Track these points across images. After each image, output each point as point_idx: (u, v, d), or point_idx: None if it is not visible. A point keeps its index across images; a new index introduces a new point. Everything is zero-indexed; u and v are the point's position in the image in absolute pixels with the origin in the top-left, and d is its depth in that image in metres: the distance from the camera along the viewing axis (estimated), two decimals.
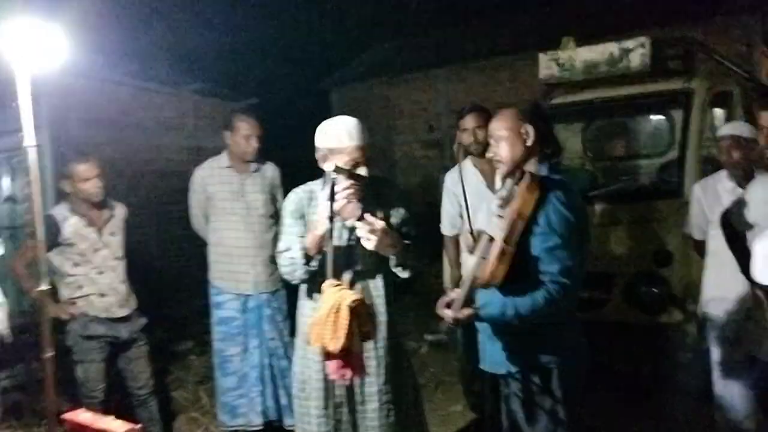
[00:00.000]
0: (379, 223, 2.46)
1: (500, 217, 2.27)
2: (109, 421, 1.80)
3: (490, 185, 3.62)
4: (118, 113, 8.33)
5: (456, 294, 2.29)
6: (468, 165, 3.73)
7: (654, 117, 5.77)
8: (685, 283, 3.87)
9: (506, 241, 2.19)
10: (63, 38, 2.10)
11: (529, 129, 2.37)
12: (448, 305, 2.27)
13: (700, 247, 3.49)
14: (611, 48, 4.49)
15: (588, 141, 5.85)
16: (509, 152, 2.39)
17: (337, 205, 2.50)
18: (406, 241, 2.67)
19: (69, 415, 1.86)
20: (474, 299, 2.29)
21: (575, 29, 5.20)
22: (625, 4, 10.26)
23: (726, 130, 3.36)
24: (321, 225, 2.51)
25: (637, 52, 4.39)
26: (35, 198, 1.90)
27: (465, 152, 3.76)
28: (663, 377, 4.01)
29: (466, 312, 2.24)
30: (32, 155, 1.91)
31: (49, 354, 1.94)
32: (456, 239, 3.78)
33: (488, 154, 2.48)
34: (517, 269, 2.24)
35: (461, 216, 3.71)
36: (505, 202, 2.29)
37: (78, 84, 7.01)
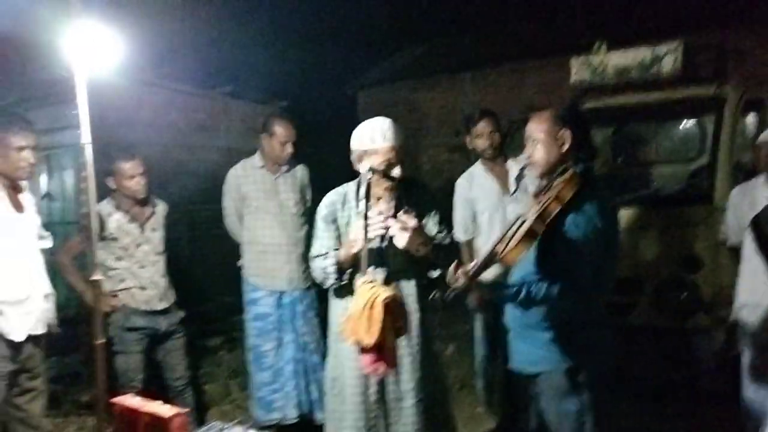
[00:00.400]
0: (412, 221, 2.53)
1: (536, 200, 2.33)
2: (157, 406, 1.90)
3: (503, 188, 3.68)
4: (152, 114, 8.51)
5: (472, 264, 2.32)
6: (479, 169, 3.79)
7: (685, 123, 5.76)
8: (715, 288, 3.87)
9: (537, 220, 2.23)
10: (114, 41, 2.20)
11: (567, 134, 2.38)
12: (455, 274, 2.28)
13: (735, 253, 3.50)
14: (643, 53, 4.51)
15: (618, 146, 5.85)
16: (544, 156, 2.41)
17: (371, 215, 2.55)
18: (436, 242, 2.73)
19: (118, 400, 1.95)
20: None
21: (607, 34, 5.21)
22: (657, 8, 10.19)
23: (765, 137, 3.38)
24: (357, 244, 2.56)
25: (669, 57, 4.40)
26: (90, 194, 2.00)
27: (476, 156, 3.82)
28: (690, 382, 4.01)
29: (477, 281, 2.27)
30: (88, 152, 2.00)
31: (100, 341, 2.03)
32: (470, 244, 3.83)
33: (522, 155, 2.52)
34: (538, 260, 2.30)
35: (474, 221, 3.77)
36: (543, 189, 2.35)
37: (114, 85, 7.19)
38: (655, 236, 4.19)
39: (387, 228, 2.58)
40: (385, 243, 2.67)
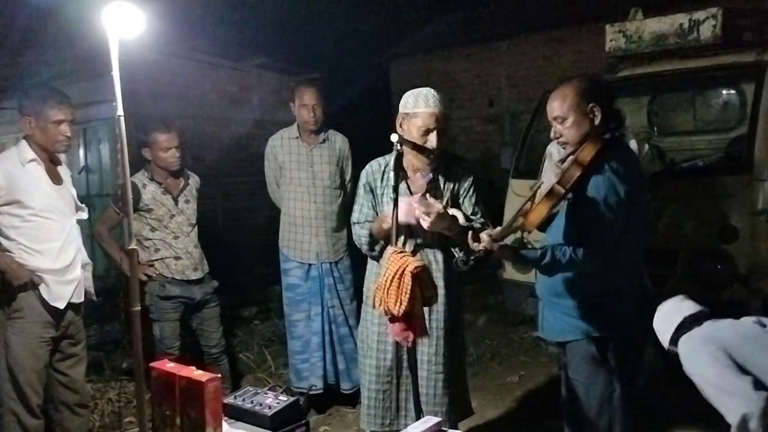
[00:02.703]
0: (436, 206, 2.50)
1: (559, 166, 2.32)
2: (193, 371, 1.95)
3: None
4: (185, 87, 8.60)
5: (497, 230, 2.31)
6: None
7: (724, 91, 5.60)
8: (751, 260, 3.79)
9: (559, 182, 2.22)
10: (146, 14, 2.21)
11: (596, 109, 2.33)
12: (477, 239, 2.27)
13: None
14: (681, 19, 4.37)
15: (655, 115, 5.73)
16: (576, 134, 2.35)
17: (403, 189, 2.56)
18: (467, 224, 2.71)
19: (155, 365, 2.02)
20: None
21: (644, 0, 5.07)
22: None
23: None
24: (386, 221, 2.60)
25: (708, 23, 4.27)
26: (124, 166, 2.04)
27: None
28: None
29: (499, 244, 2.26)
30: (122, 125, 2.03)
31: (136, 308, 2.09)
32: None
33: (552, 135, 2.46)
34: (563, 226, 2.30)
35: None
36: (568, 156, 2.34)
37: (147, 58, 7.27)
38: (690, 206, 4.11)
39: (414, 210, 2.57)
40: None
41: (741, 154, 4.02)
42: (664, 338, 2.21)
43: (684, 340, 2.13)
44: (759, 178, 3.75)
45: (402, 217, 2.58)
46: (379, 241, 2.74)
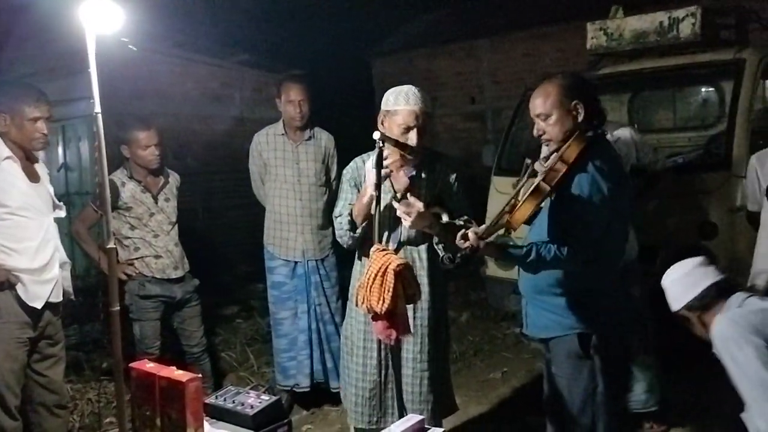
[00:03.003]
0: (417, 205, 2.51)
1: (544, 164, 2.32)
2: (173, 371, 1.93)
3: None
4: (166, 84, 8.51)
5: (482, 228, 2.31)
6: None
7: (703, 88, 5.67)
8: (730, 256, 3.84)
9: (544, 180, 2.23)
10: (126, 10, 2.18)
11: (580, 106, 2.33)
12: (464, 237, 2.26)
13: (754, 220, 3.47)
14: (661, 17, 4.41)
15: (635, 112, 5.77)
16: (560, 131, 2.35)
17: (384, 173, 2.57)
18: (448, 222, 2.70)
19: (135, 365, 1.99)
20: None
21: None
22: None
23: None
24: (366, 193, 2.61)
25: (687, 21, 4.31)
26: (102, 164, 2.01)
27: None
28: (704, 349, 4.00)
29: (485, 241, 2.25)
30: (99, 122, 2.00)
31: (115, 308, 2.06)
32: None
33: (535, 132, 2.46)
34: (549, 224, 2.31)
35: None
36: (553, 153, 2.34)
37: (128, 55, 7.18)
38: (670, 203, 4.15)
39: (393, 170, 2.60)
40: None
41: (720, 151, 4.07)
42: (680, 300, 2.16)
43: (723, 321, 2.08)
44: (737, 174, 3.80)
45: (369, 189, 2.59)
46: (361, 222, 2.72)
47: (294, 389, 3.91)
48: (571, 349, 2.45)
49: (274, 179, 3.88)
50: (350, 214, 2.75)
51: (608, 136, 2.65)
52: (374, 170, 2.54)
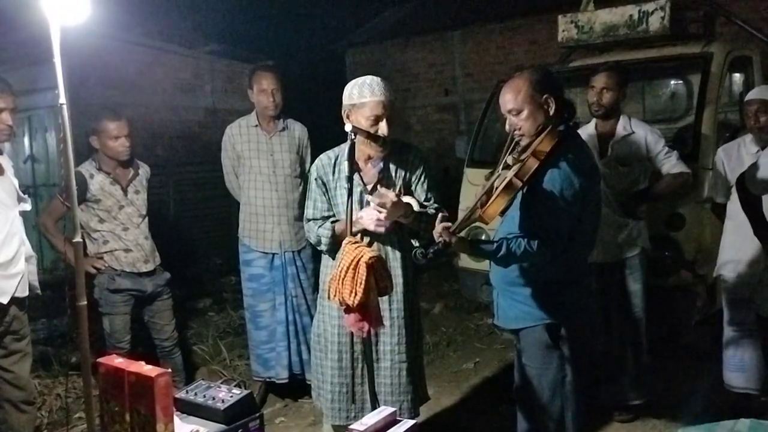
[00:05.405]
0: (389, 195, 2.52)
1: (517, 159, 2.34)
2: (141, 366, 1.91)
3: (602, 151, 3.49)
4: (136, 74, 8.38)
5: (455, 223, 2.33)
6: (591, 127, 3.61)
7: (672, 81, 5.74)
8: (697, 246, 3.91)
9: (517, 175, 2.24)
10: None
11: (550, 99, 2.35)
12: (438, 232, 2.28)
13: (720, 211, 3.54)
14: (631, 11, 4.46)
15: None
16: (533, 125, 2.36)
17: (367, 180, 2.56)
18: (421, 210, 2.72)
19: (103, 360, 1.96)
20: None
21: None
22: None
23: (754, 94, 3.38)
24: (358, 225, 2.63)
25: (656, 15, 4.36)
26: (68, 155, 1.97)
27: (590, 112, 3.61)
28: (672, 338, 4.08)
29: (457, 236, 2.28)
30: (64, 113, 1.96)
31: (82, 302, 2.03)
32: None
33: (507, 128, 2.46)
34: (520, 218, 2.33)
35: None
36: (524, 148, 2.36)
37: (96, 44, 7.05)
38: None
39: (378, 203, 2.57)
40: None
41: (688, 143, 4.13)
42: None
43: None
44: (705, 167, 3.86)
45: (371, 227, 2.62)
46: (341, 242, 2.70)
47: (272, 380, 3.90)
48: (540, 340, 2.48)
49: (249, 171, 3.84)
50: (332, 230, 2.74)
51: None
52: (347, 162, 2.55)
